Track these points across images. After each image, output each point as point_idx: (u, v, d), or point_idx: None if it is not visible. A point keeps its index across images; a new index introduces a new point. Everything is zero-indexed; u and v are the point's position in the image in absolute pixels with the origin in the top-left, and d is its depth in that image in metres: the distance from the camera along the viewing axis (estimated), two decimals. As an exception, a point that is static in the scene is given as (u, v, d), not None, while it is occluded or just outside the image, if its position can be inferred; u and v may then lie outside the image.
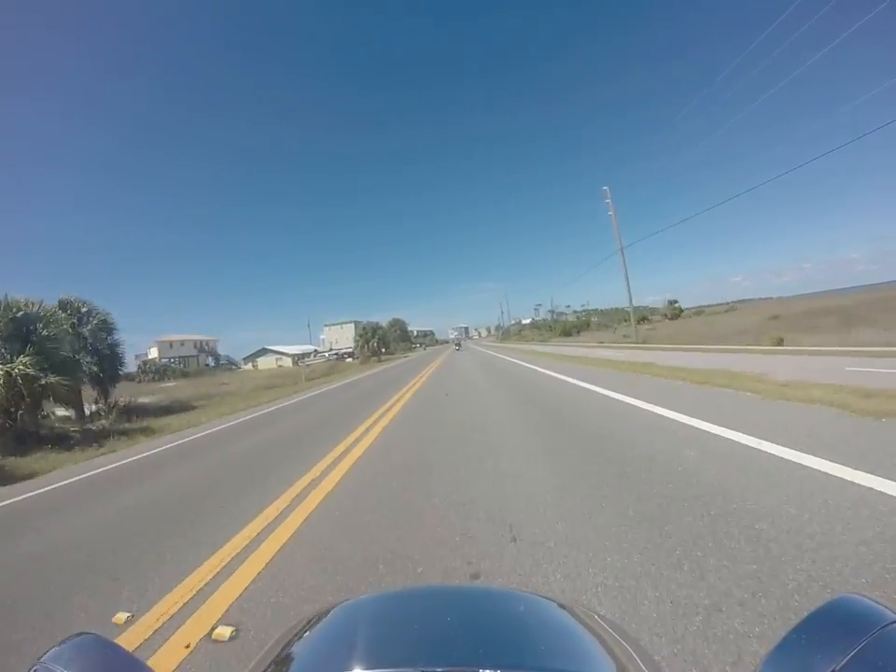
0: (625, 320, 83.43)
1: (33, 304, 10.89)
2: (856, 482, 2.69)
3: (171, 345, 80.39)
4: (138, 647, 1.95)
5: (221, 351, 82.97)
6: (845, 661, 0.42)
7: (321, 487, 4.07)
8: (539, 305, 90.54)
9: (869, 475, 2.74)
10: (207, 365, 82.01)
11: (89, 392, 14.99)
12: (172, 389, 35.51)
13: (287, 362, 68.00)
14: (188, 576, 2.58)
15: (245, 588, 2.34)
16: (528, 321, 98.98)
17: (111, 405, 13.70)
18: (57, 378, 9.57)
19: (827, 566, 1.90)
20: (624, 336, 35.77)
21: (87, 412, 14.44)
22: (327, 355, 68.71)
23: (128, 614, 2.23)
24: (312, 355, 73.64)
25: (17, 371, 9.04)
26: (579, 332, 59.37)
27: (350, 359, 57.21)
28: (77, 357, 12.04)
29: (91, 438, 9.77)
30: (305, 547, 2.80)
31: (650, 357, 13.31)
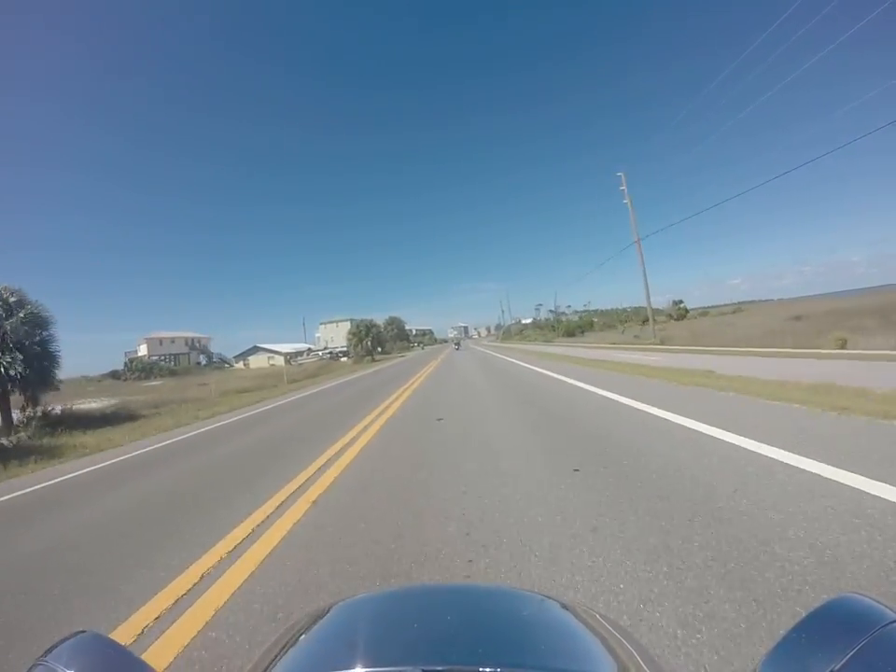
0: (628, 321, 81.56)
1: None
2: None
3: (160, 342, 77.91)
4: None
5: (218, 349, 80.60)
6: (845, 660, 0.41)
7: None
8: (540, 305, 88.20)
9: None
10: (198, 363, 79.65)
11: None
12: (146, 390, 33.21)
13: (280, 361, 65.64)
14: None
15: None
16: (529, 321, 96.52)
17: (30, 416, 11.33)
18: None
19: None
20: (636, 337, 33.48)
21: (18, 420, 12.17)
22: (320, 354, 66.43)
23: None
24: (304, 354, 71.48)
25: None
26: (583, 332, 57.12)
27: (345, 359, 54.89)
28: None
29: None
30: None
31: (696, 362, 10.97)
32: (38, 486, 5.68)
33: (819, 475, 2.85)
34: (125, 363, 65.08)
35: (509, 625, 0.62)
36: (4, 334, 11.24)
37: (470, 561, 2.27)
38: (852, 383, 5.44)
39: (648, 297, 24.01)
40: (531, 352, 25.45)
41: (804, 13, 19.90)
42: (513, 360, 18.15)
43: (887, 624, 0.44)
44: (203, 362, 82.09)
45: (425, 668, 0.46)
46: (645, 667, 0.54)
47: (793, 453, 3.32)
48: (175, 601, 2.22)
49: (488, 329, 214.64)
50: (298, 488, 3.95)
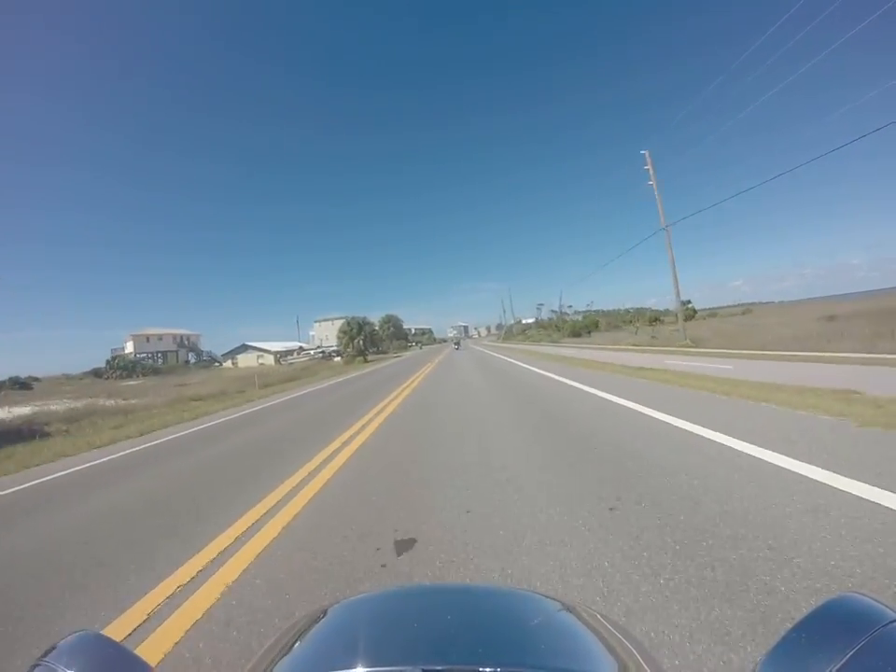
0: (634, 320, 78.46)
1: None
2: None
3: (147, 339, 74.79)
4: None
5: (213, 347, 77.60)
6: (845, 660, 0.41)
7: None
8: (542, 305, 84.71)
9: None
10: (187, 362, 76.56)
11: None
12: (119, 390, 30.10)
13: (270, 360, 62.51)
14: None
15: None
16: (531, 321, 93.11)
17: None
18: None
19: None
20: (653, 337, 30.47)
21: None
22: (311, 353, 63.19)
23: None
24: (295, 352, 68.31)
25: None
26: (590, 333, 54.00)
27: (339, 358, 51.71)
28: None
29: None
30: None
31: (776, 370, 7.89)
32: None
33: None
34: (107, 361, 62.04)
35: (509, 625, 0.61)
36: None
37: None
38: None
39: (677, 292, 20.91)
40: (542, 354, 22.00)
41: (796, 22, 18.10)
42: (528, 366, 13.90)
43: (887, 624, 0.43)
44: (193, 360, 79.14)
45: (425, 668, 0.46)
46: (645, 667, 0.53)
47: None
48: None
49: (488, 329, 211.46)
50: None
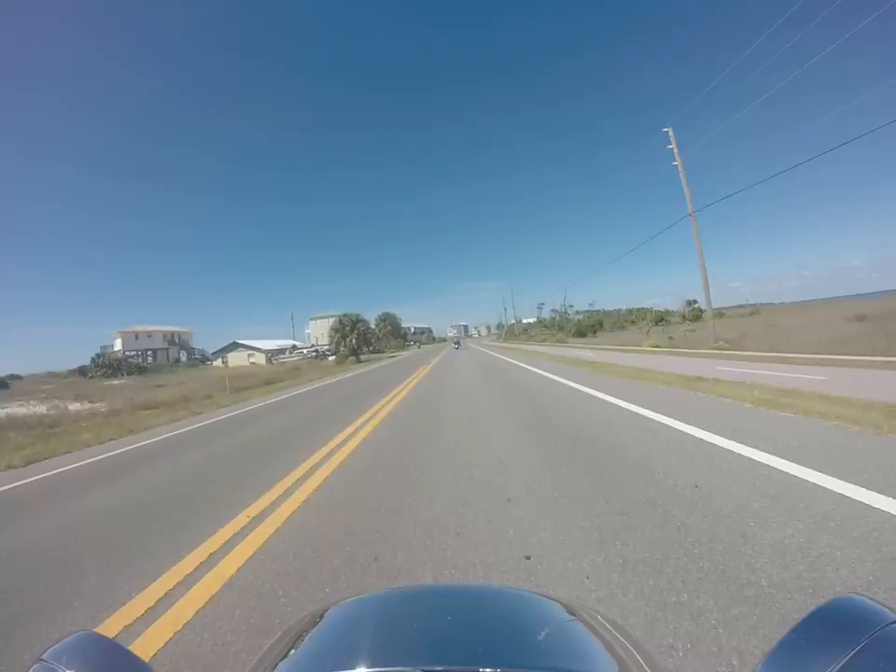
0: (634, 321, 75.98)
1: None
2: None
3: (136, 337, 72.12)
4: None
5: (207, 345, 74.84)
6: (845, 661, 0.41)
7: None
8: (542, 304, 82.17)
9: None
10: (178, 360, 74.02)
11: None
12: (95, 391, 27.63)
13: (261, 358, 59.97)
14: None
15: None
16: (532, 320, 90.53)
17: None
18: None
19: None
20: (669, 338, 28.14)
21: None
22: (305, 352, 60.57)
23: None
24: (287, 351, 65.67)
25: None
26: (595, 333, 51.63)
27: (333, 357, 49.19)
28: None
29: None
30: None
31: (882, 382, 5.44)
32: None
33: None
34: (91, 359, 59.49)
35: (509, 626, 0.61)
36: None
37: None
38: None
39: (706, 286, 18.43)
40: (555, 357, 19.14)
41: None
42: (550, 375, 10.69)
43: (887, 625, 0.43)
44: (184, 358, 76.57)
45: (424, 669, 0.46)
46: (646, 667, 0.53)
47: None
48: None
49: (488, 329, 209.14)
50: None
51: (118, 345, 71.76)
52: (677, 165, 19.62)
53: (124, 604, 2.22)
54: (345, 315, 39.95)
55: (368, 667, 0.48)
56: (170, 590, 2.31)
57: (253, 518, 3.24)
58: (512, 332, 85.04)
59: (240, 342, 66.31)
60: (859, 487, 2.69)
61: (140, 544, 3.02)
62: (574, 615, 0.64)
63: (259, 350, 63.33)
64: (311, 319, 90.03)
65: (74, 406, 22.57)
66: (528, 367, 14.59)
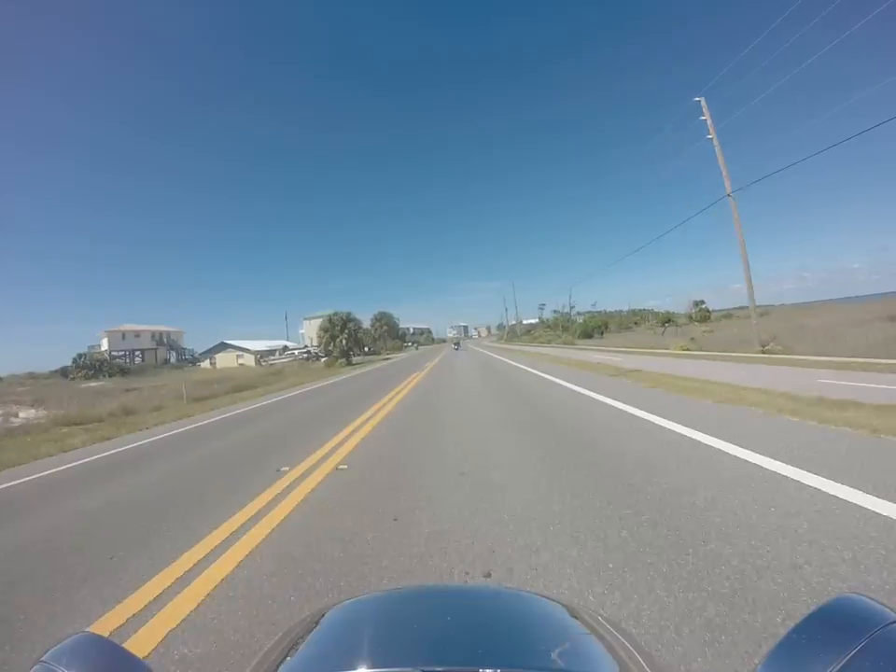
0: (637, 323, 73.23)
1: None
2: None
3: (123, 336, 69.38)
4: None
5: (199, 345, 71.87)
6: (845, 661, 0.41)
7: None
8: (544, 305, 79.36)
9: None
10: (167, 361, 71.27)
11: None
12: (67, 393, 24.92)
13: (250, 360, 57.19)
14: None
15: None
16: (534, 321, 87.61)
17: None
18: None
19: None
20: (692, 339, 25.51)
21: None
22: (296, 353, 57.72)
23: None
24: (278, 352, 62.87)
25: None
26: (602, 334, 48.96)
27: (326, 358, 46.44)
28: None
29: None
30: None
31: None
32: None
33: None
34: (73, 359, 56.78)
35: (509, 626, 0.61)
36: None
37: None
38: None
39: (748, 278, 15.73)
40: (574, 362, 15.94)
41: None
42: (581, 389, 7.99)
43: (887, 625, 0.43)
44: (173, 359, 73.83)
45: (425, 669, 0.46)
46: (646, 668, 0.53)
47: None
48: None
49: (488, 329, 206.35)
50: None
51: (105, 345, 69.09)
52: (711, 139, 16.97)
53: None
54: (335, 314, 36.61)
55: (368, 668, 0.47)
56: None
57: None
58: (514, 333, 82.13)
59: (228, 342, 63.48)
60: None
61: None
62: (574, 616, 0.63)
63: (247, 351, 60.53)
64: (305, 319, 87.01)
65: (27, 413, 19.94)
66: (550, 377, 10.86)
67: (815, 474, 3.04)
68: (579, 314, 64.17)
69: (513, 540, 2.50)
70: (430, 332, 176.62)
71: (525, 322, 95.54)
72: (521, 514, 2.88)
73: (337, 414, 8.28)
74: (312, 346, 62.42)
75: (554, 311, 73.29)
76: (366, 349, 65.38)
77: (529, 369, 14.64)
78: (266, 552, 2.66)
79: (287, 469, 4.55)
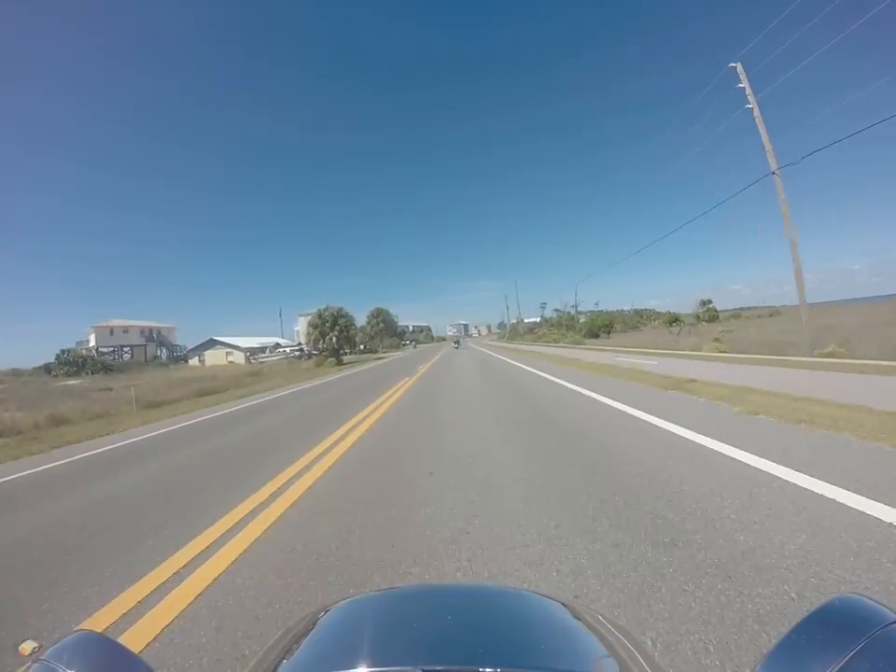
0: (641, 322, 70.65)
1: None
2: None
3: (111, 332, 66.97)
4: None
5: (191, 341, 69.01)
6: (844, 661, 0.41)
7: None
8: (545, 304, 76.87)
9: None
10: (156, 357, 68.84)
11: None
12: (39, 392, 22.55)
13: (240, 357, 54.75)
14: None
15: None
16: (536, 319, 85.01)
17: None
18: None
19: None
20: (715, 340, 23.04)
21: None
22: (288, 350, 55.21)
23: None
24: (268, 349, 60.39)
25: None
26: (609, 333, 46.58)
27: (315, 357, 44.04)
28: None
29: None
30: None
31: None
32: None
33: None
34: (56, 355, 54.38)
35: (509, 626, 0.60)
36: None
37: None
38: None
39: (798, 272, 13.35)
40: (593, 367, 12.82)
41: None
42: (651, 418, 5.15)
43: (887, 626, 0.43)
44: (164, 356, 71.41)
45: (425, 669, 0.45)
46: (646, 668, 0.52)
47: None
48: None
49: (488, 328, 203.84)
50: None
51: (93, 341, 66.70)
52: (751, 108, 14.59)
53: None
54: (325, 309, 33.17)
55: (368, 667, 0.47)
56: None
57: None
58: (516, 331, 79.55)
59: (218, 339, 60.95)
60: None
61: None
62: (574, 615, 0.62)
63: (237, 348, 58.06)
64: (300, 315, 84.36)
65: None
66: (590, 392, 7.74)
67: None
68: (580, 313, 61.92)
69: None
70: (430, 330, 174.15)
71: (526, 321, 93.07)
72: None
73: (281, 447, 5.97)
74: (305, 344, 60.01)
75: (555, 310, 71.04)
76: (361, 347, 62.83)
77: (543, 373, 11.89)
78: None
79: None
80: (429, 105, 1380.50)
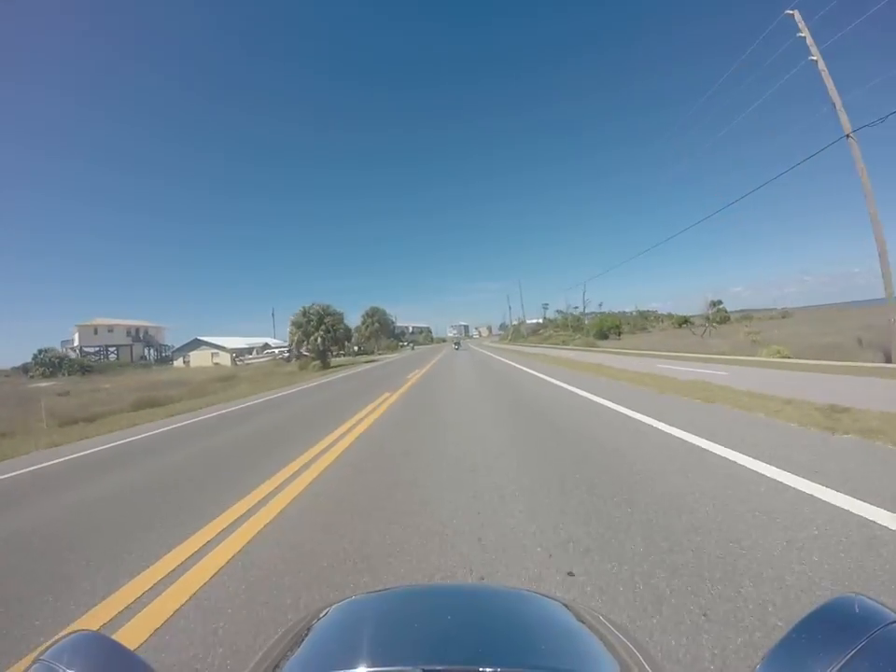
0: (645, 324, 68.07)
1: None
2: None
3: (96, 331, 64.20)
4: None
5: (181, 342, 66.13)
6: (844, 661, 0.41)
7: None
8: (547, 305, 74.39)
9: None
10: (143, 357, 66.07)
11: None
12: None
13: (226, 358, 51.98)
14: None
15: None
16: (539, 320, 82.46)
17: None
18: None
19: None
20: (754, 341, 20.45)
21: None
22: (276, 351, 52.44)
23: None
24: (255, 350, 57.63)
25: None
26: (619, 334, 44.03)
27: (299, 360, 41.25)
28: None
29: None
30: None
31: None
32: None
33: None
34: (33, 356, 51.59)
35: (509, 625, 0.60)
36: None
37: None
38: None
39: (884, 258, 10.72)
40: (641, 379, 8.83)
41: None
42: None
43: (887, 625, 0.43)
44: (151, 356, 68.65)
45: (425, 668, 0.45)
46: (647, 667, 0.52)
47: None
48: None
49: (489, 329, 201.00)
50: None
51: (77, 340, 63.96)
52: (815, 60, 11.98)
53: None
54: (311, 307, 29.74)
55: (368, 667, 0.47)
56: None
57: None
58: (519, 333, 76.83)
59: (203, 339, 58.14)
60: None
61: None
62: (574, 615, 0.62)
63: (223, 348, 55.25)
64: (292, 316, 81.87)
65: None
66: (699, 440, 4.07)
67: None
68: (584, 314, 59.63)
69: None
70: (430, 331, 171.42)
71: (528, 321, 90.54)
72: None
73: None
74: (289, 345, 57.23)
75: (558, 311, 68.67)
76: (356, 348, 60.12)
77: (583, 392, 8.23)
78: None
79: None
80: (429, 105, 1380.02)
